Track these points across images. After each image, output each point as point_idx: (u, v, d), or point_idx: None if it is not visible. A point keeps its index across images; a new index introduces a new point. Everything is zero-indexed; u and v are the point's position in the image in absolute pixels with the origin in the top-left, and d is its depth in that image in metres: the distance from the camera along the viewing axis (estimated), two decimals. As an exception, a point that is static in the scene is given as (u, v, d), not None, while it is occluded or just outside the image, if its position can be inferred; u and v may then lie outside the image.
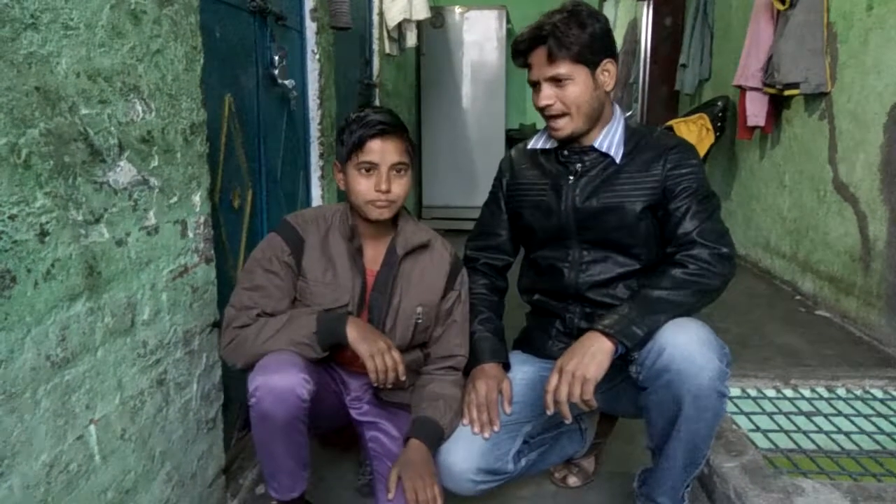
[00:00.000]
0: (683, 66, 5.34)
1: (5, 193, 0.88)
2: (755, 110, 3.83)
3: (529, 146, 1.66)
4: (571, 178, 1.57)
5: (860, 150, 2.98)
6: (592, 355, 1.33)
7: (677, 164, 1.50)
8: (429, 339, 1.63)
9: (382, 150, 1.46)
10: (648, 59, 6.04)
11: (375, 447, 1.59)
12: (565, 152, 1.59)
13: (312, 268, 1.52)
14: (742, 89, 3.89)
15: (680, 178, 1.49)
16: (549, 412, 1.36)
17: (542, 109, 1.51)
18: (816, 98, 3.39)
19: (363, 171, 1.47)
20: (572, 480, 1.82)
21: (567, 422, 1.42)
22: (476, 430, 1.47)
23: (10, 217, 0.89)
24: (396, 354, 1.40)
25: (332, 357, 1.52)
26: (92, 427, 1.10)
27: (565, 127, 1.51)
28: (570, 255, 1.60)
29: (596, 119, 1.53)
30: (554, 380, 1.35)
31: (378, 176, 1.46)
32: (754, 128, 3.93)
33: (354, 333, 1.40)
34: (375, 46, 3.76)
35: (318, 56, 2.55)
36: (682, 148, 1.54)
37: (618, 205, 1.52)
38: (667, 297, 1.38)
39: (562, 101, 1.48)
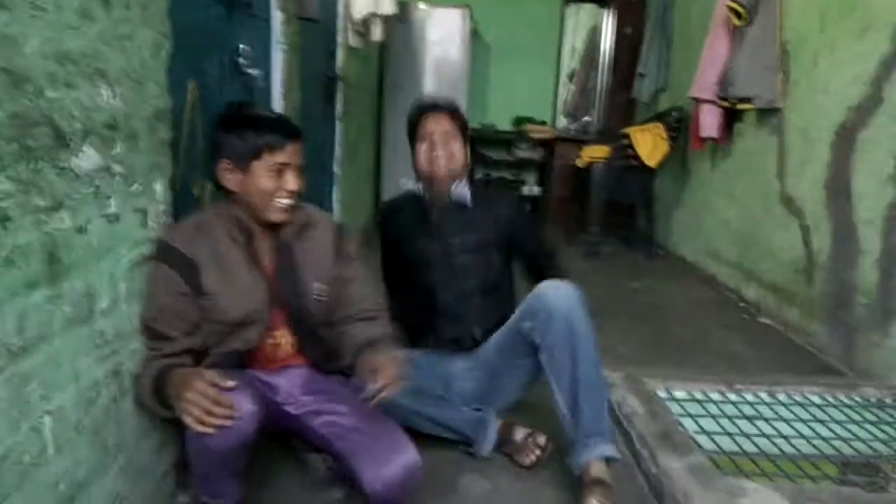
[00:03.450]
0: (641, 74, 5.46)
1: (-32, 176, 0.86)
2: (709, 122, 3.94)
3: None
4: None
5: (807, 165, 3.10)
6: None
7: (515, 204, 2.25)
8: (335, 311, 1.66)
9: (294, 153, 1.53)
10: (607, 67, 6.15)
11: (332, 430, 1.58)
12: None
13: (212, 284, 1.50)
14: (697, 101, 4.00)
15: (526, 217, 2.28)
16: None
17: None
18: (768, 113, 3.51)
19: (274, 172, 1.51)
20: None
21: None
22: None
23: (-28, 201, 0.87)
24: (202, 385, 1.26)
25: (245, 364, 1.57)
26: (47, 418, 1.07)
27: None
28: None
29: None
30: None
31: (288, 176, 1.52)
32: (707, 139, 4.05)
33: (170, 389, 1.33)
34: (340, 39, 3.72)
35: (283, 46, 2.52)
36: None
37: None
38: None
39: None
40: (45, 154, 1.03)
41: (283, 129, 1.52)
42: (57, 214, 1.07)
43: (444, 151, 2.01)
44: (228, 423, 1.24)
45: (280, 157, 1.50)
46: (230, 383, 1.28)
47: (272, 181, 1.50)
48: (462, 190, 2.07)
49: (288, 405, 1.64)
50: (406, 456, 1.47)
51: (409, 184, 2.23)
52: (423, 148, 2.03)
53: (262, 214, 1.53)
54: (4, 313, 0.95)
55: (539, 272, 2.09)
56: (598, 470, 1.67)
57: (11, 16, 0.93)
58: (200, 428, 1.22)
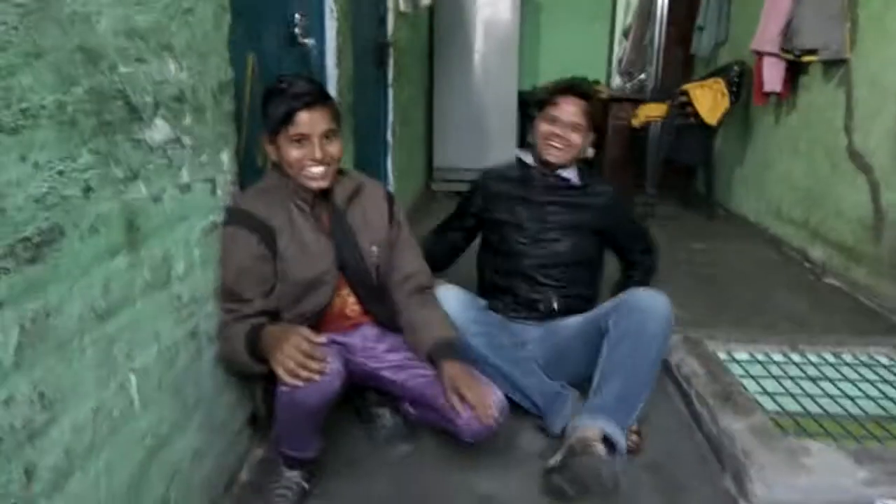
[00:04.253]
0: (700, 28, 5.27)
1: (54, 150, 0.91)
2: (772, 76, 3.80)
3: None
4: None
5: (877, 118, 2.97)
6: None
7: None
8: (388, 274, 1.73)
9: (311, 121, 1.50)
10: (664, 21, 5.94)
11: (420, 381, 1.66)
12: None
13: (286, 247, 1.55)
14: (759, 54, 3.85)
15: (624, 211, 2.26)
16: None
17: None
18: (834, 64, 3.36)
19: (295, 142, 1.51)
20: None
21: None
22: None
23: (58, 173, 0.92)
24: (297, 340, 1.34)
25: (318, 327, 1.58)
26: (132, 376, 1.14)
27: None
28: None
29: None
30: None
31: (311, 146, 1.51)
32: (770, 93, 3.90)
33: (264, 345, 1.40)
34: (390, 4, 3.72)
35: (335, 14, 2.54)
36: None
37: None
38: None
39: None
40: (121, 127, 1.09)
41: (296, 99, 1.49)
42: (133, 185, 1.13)
43: (562, 142, 2.03)
44: (319, 377, 1.31)
45: (296, 129, 1.50)
46: (322, 339, 1.35)
47: (296, 151, 1.52)
48: (570, 171, 2.12)
49: (368, 360, 1.70)
50: (496, 395, 1.58)
51: (521, 154, 2.23)
52: (545, 129, 2.06)
53: (302, 183, 1.56)
54: (91, 278, 1.01)
55: (631, 265, 2.24)
56: (593, 435, 1.60)
57: (86, -5, 0.98)
58: (294, 381, 1.29)
